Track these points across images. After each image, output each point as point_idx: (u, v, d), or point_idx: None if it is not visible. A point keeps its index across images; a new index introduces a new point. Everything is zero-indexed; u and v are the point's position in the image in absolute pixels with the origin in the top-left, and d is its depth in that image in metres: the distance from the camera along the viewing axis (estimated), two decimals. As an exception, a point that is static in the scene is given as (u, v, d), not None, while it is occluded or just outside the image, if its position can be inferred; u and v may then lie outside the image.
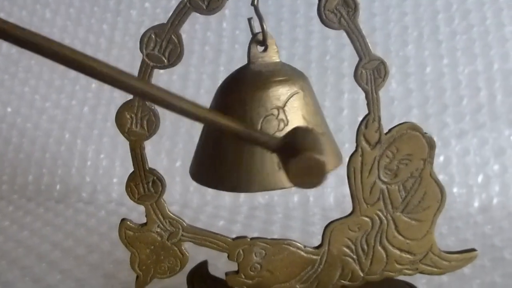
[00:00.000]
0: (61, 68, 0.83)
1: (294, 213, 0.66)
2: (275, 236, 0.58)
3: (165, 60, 0.35)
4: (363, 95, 0.80)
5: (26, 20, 0.88)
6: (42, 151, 0.80)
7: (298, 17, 0.79)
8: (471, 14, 0.74)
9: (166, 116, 0.78)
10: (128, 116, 0.36)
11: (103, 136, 0.79)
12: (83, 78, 0.83)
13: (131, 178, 0.38)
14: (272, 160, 0.34)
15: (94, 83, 0.82)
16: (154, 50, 0.35)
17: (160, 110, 0.37)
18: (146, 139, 0.37)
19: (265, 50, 0.36)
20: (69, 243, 0.60)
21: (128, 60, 0.82)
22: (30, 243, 0.61)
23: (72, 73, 0.83)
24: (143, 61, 0.35)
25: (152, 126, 0.37)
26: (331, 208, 0.67)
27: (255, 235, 0.59)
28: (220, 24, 0.80)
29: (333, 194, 0.69)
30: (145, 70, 0.35)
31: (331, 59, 0.76)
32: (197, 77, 0.79)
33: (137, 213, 0.63)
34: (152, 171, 0.39)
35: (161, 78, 0.79)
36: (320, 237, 0.59)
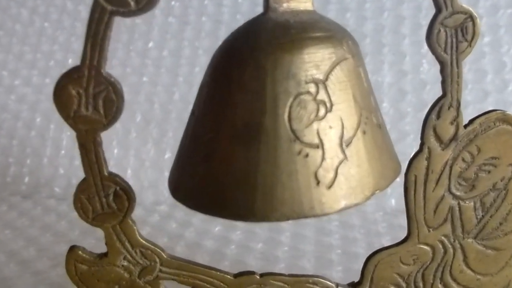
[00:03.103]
0: (33, 40, 0.70)
1: (306, 219, 0.55)
2: (285, 249, 0.50)
3: (131, 2, 0.22)
4: (388, 77, 0.67)
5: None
6: (8, 136, 0.71)
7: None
8: (516, -15, 0.65)
9: (155, 98, 0.69)
10: (74, 93, 0.24)
11: (80, 121, 0.68)
12: (58, 52, 0.73)
13: (82, 189, 0.26)
14: (307, 169, 0.22)
15: (72, 58, 0.72)
16: (113, -17, 0.22)
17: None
18: (103, 128, 0.25)
19: None
20: (30, 254, 0.49)
21: (114, 32, 0.71)
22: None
23: (46, 46, 0.73)
24: (95, 3, 0.22)
25: (111, 109, 0.24)
26: (350, 212, 0.56)
27: (260, 246, 0.50)
28: (220, -9, 0.71)
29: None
30: (100, 18, 0.22)
31: (351, 34, 0.65)
32: (192, 52, 0.69)
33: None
34: (114, 178, 0.26)
35: (150, 53, 0.69)
36: (340, 251, 0.49)
